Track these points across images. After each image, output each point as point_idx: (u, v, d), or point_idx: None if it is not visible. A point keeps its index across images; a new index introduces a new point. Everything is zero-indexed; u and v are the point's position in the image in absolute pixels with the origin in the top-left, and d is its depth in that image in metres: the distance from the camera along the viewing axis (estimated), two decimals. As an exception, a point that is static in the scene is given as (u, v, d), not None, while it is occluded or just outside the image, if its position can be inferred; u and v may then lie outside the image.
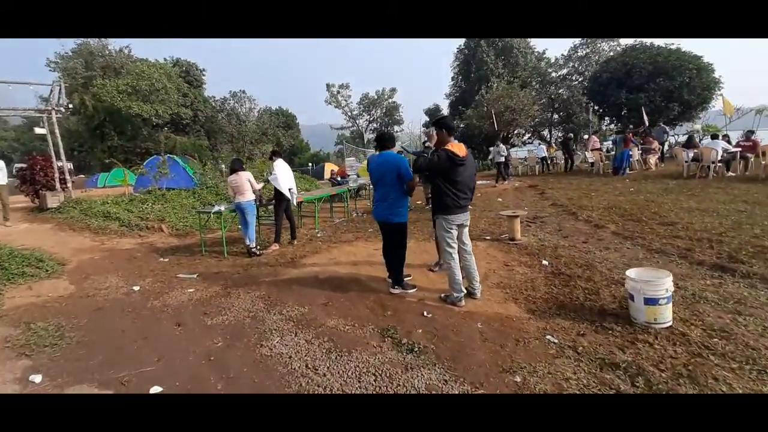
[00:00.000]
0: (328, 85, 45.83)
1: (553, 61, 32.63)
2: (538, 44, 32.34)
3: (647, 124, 19.32)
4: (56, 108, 9.40)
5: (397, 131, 47.24)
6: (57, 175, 9.64)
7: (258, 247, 6.26)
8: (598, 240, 5.65)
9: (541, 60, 32.82)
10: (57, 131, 9.69)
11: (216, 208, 6.22)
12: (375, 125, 47.55)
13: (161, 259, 6.35)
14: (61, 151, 9.80)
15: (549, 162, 17.47)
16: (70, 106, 9.97)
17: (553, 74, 33.33)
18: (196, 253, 6.64)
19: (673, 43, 26.62)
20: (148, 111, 23.82)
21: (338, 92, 46.05)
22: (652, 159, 15.02)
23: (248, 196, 6.11)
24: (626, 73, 26.40)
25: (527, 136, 33.72)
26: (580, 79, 33.19)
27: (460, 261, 3.66)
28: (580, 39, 32.91)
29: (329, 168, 25.43)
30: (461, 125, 35.60)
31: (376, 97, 46.77)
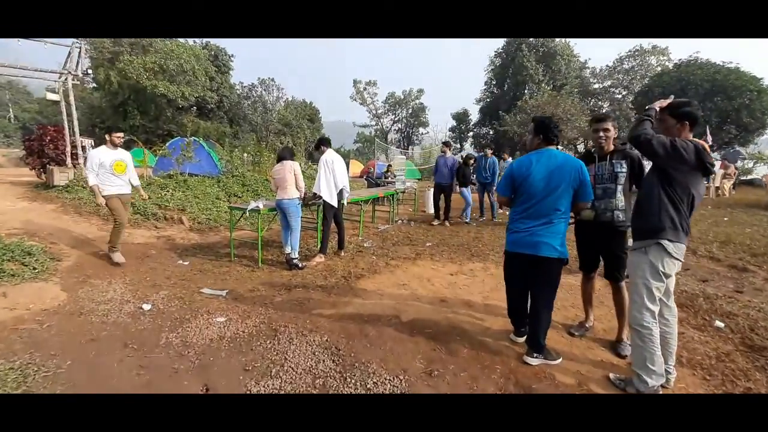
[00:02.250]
0: (355, 81, 44.69)
1: (598, 71, 30.86)
2: (582, 53, 30.57)
3: (710, 143, 17.56)
4: (73, 73, 8.27)
5: (422, 133, 45.91)
6: (69, 149, 8.51)
7: (299, 258, 4.96)
8: (756, 290, 4.21)
9: (584, 69, 31.10)
10: (72, 99, 8.58)
11: (253, 205, 4.93)
12: (400, 125, 46.24)
13: (180, 261, 5.09)
14: (75, 122, 8.68)
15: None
16: (90, 72, 8.84)
17: (596, 85, 31.58)
18: (222, 257, 5.37)
19: (731, 62, 24.77)
20: (174, 92, 22.87)
21: (365, 89, 44.85)
22: (727, 184, 13.40)
23: (291, 193, 4.81)
24: (681, 90, 24.59)
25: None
26: (624, 93, 31.43)
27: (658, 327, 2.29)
28: (626, 51, 31.14)
29: (353, 165, 24.21)
30: (490, 131, 34.09)
31: (402, 96, 45.46)
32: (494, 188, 8.93)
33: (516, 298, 2.81)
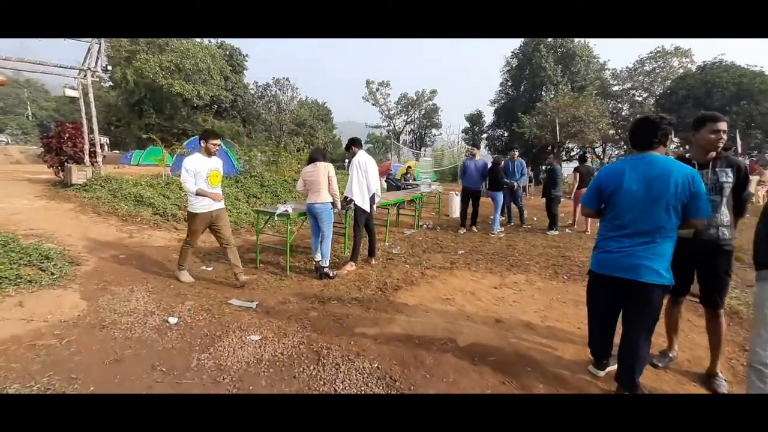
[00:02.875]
0: (367, 82, 44.43)
1: (618, 72, 30.14)
2: (601, 54, 29.91)
3: (740, 149, 16.90)
4: (92, 69, 8.09)
5: (435, 135, 45.48)
6: (87, 146, 8.34)
7: (329, 267, 4.63)
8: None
9: (603, 70, 30.40)
10: (91, 96, 8.40)
11: (282, 209, 4.61)
12: (412, 126, 45.88)
13: (204, 267, 4.80)
14: (94, 119, 8.51)
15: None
16: (109, 68, 8.64)
17: (616, 87, 30.85)
18: (246, 262, 5.06)
19: (756, 65, 23.98)
20: (190, 91, 22.89)
21: (377, 89, 44.58)
22: (762, 191, 12.76)
23: (324, 197, 4.49)
24: (706, 93, 23.92)
25: (575, 150, 31.33)
26: (645, 96, 30.66)
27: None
28: (647, 52, 30.37)
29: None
30: (505, 133, 33.48)
31: (415, 97, 45.08)
32: (520, 192, 8.53)
33: (601, 327, 2.43)
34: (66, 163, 7.98)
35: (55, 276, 3.83)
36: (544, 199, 8.11)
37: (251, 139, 25.77)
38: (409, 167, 13.55)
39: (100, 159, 8.47)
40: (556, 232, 7.52)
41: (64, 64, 7.91)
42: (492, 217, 8.73)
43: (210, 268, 4.76)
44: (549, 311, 3.63)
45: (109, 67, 8.62)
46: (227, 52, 29.48)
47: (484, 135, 37.66)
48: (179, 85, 22.72)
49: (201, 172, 3.97)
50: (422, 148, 42.60)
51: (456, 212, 9.42)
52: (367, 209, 4.81)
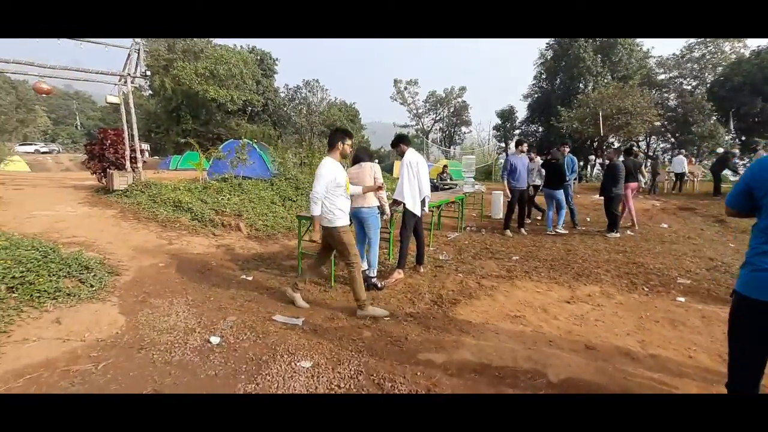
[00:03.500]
0: (395, 81, 43.98)
1: (664, 59, 28.11)
2: (645, 41, 27.94)
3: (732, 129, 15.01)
4: (132, 75, 8.13)
5: (465, 132, 44.45)
6: (128, 152, 8.40)
7: (377, 277, 4.22)
8: None
9: (647, 58, 28.42)
10: (131, 102, 8.46)
11: (325, 214, 4.26)
12: (441, 125, 45.02)
13: (244, 276, 4.53)
14: (135, 125, 8.56)
15: (683, 180, 13.90)
16: (148, 73, 8.68)
17: (661, 76, 28.79)
18: (287, 271, 4.77)
19: None
20: (224, 96, 23.35)
21: (405, 88, 44.03)
22: None
23: (371, 201, 4.09)
24: (764, 79, 21.77)
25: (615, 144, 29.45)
26: (694, 84, 28.45)
27: None
28: (696, 38, 28.13)
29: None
30: (539, 128, 32.07)
31: (443, 95, 44.18)
32: (571, 191, 7.80)
33: (751, 365, 1.87)
34: (108, 170, 8.06)
35: (94, 288, 3.64)
36: (598, 198, 7.38)
37: (282, 142, 26.03)
38: (445, 166, 12.98)
39: (140, 165, 8.51)
40: (617, 234, 6.79)
41: (105, 71, 7.99)
42: (541, 216, 8.04)
43: (250, 278, 4.49)
44: (644, 334, 3.05)
45: (148, 73, 8.65)
46: (258, 57, 29.96)
47: (517, 131, 36.33)
48: (214, 90, 23.22)
49: (340, 180, 3.31)
50: (451, 147, 41.71)
51: (500, 213, 8.82)
52: (419, 213, 4.38)
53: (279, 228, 6.92)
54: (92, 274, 3.85)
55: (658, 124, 22.47)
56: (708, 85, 26.53)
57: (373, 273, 4.17)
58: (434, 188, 10.41)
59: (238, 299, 3.82)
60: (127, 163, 8.36)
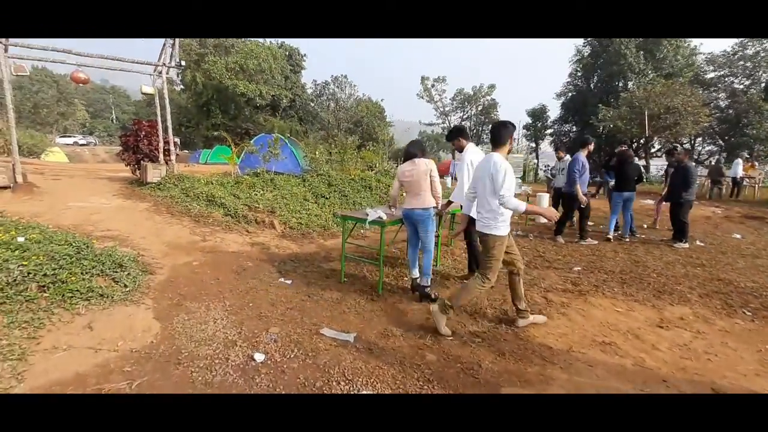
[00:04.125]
0: (422, 78, 43.20)
1: (714, 56, 26.30)
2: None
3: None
4: (167, 65, 7.97)
5: (493, 131, 43.26)
6: (162, 144, 8.28)
7: (430, 286, 3.78)
8: None
9: (695, 54, 26.66)
10: (166, 93, 8.33)
11: (373, 215, 3.84)
12: (469, 123, 43.98)
13: (282, 279, 4.18)
14: (168, 118, 8.43)
15: (741, 185, 12.75)
16: (183, 63, 8.52)
17: (711, 74, 26.95)
18: (328, 275, 4.40)
19: None
20: (253, 90, 23.40)
21: (432, 86, 43.22)
22: None
23: (427, 201, 3.64)
24: None
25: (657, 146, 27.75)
26: (746, 83, 26.49)
27: None
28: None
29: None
30: (573, 128, 30.70)
31: (472, 93, 43.11)
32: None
33: None
34: (142, 162, 7.95)
35: (128, 289, 3.36)
36: (647, 203, 6.70)
37: (308, 137, 25.96)
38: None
39: (173, 157, 8.38)
40: (686, 245, 6.08)
41: (140, 60, 7.86)
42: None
43: (289, 282, 4.13)
44: (776, 375, 2.48)
45: (183, 62, 8.50)
46: (287, 53, 29.97)
47: (549, 131, 34.99)
48: (243, 85, 23.30)
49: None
50: (480, 146, 40.69)
51: (542, 218, 8.20)
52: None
53: (313, 226, 6.57)
54: (126, 272, 3.58)
55: (707, 125, 20.98)
56: (763, 84, 24.61)
57: (427, 282, 3.72)
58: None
59: (278, 306, 3.47)
60: (161, 156, 8.25)
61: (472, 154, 3.89)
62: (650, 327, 3.18)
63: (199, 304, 3.38)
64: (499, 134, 2.98)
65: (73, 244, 3.65)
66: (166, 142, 8.48)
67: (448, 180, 14.66)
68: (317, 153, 9.94)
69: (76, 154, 26.01)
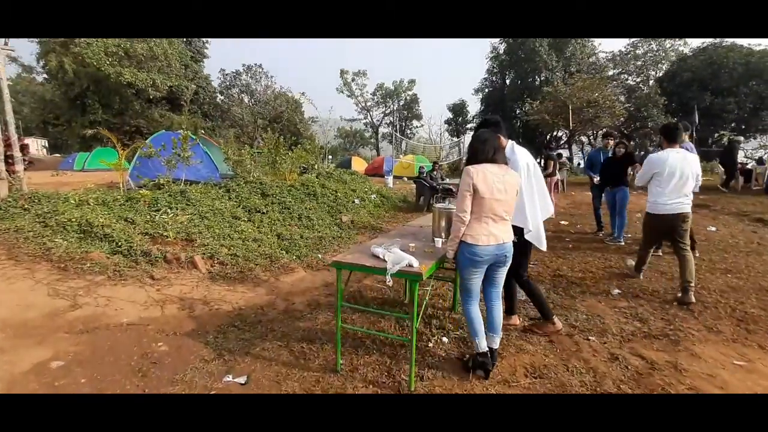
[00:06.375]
0: (341, 72, 41.53)
1: (612, 55, 29.23)
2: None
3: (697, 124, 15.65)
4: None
5: (416, 126, 43.56)
6: (1, 149, 5.52)
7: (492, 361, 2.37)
8: None
9: (593, 54, 29.44)
10: (3, 76, 5.61)
11: (402, 262, 2.23)
12: (391, 118, 43.59)
13: (229, 378, 2.40)
14: (8, 110, 5.69)
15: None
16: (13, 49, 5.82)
17: (611, 72, 30.00)
18: (302, 350, 2.71)
19: (760, 44, 23.58)
20: (144, 80, 19.31)
21: (353, 80, 41.80)
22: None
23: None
24: (712, 74, 23.13)
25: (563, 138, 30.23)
26: (637, 80, 29.98)
27: None
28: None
29: (357, 162, 21.39)
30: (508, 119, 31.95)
31: (393, 88, 42.75)
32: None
33: None
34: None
35: None
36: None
37: (217, 136, 22.53)
38: (435, 163, 11.32)
39: (20, 168, 5.66)
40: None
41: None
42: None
43: (241, 379, 2.38)
44: None
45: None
46: (184, 38, 25.76)
47: (469, 125, 36.17)
48: (130, 73, 19.06)
49: None
50: (403, 141, 40.53)
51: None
52: (543, 245, 2.61)
53: (255, 258, 4.70)
54: None
55: (623, 118, 23.04)
56: (652, 82, 28.01)
57: (497, 344, 2.31)
58: (431, 187, 8.77)
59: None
60: (0, 165, 5.50)
61: (525, 156, 2.55)
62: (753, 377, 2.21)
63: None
64: (671, 131, 3.45)
65: None
66: (9, 146, 5.73)
67: (389, 180, 13.42)
68: (244, 154, 7.82)
69: None
